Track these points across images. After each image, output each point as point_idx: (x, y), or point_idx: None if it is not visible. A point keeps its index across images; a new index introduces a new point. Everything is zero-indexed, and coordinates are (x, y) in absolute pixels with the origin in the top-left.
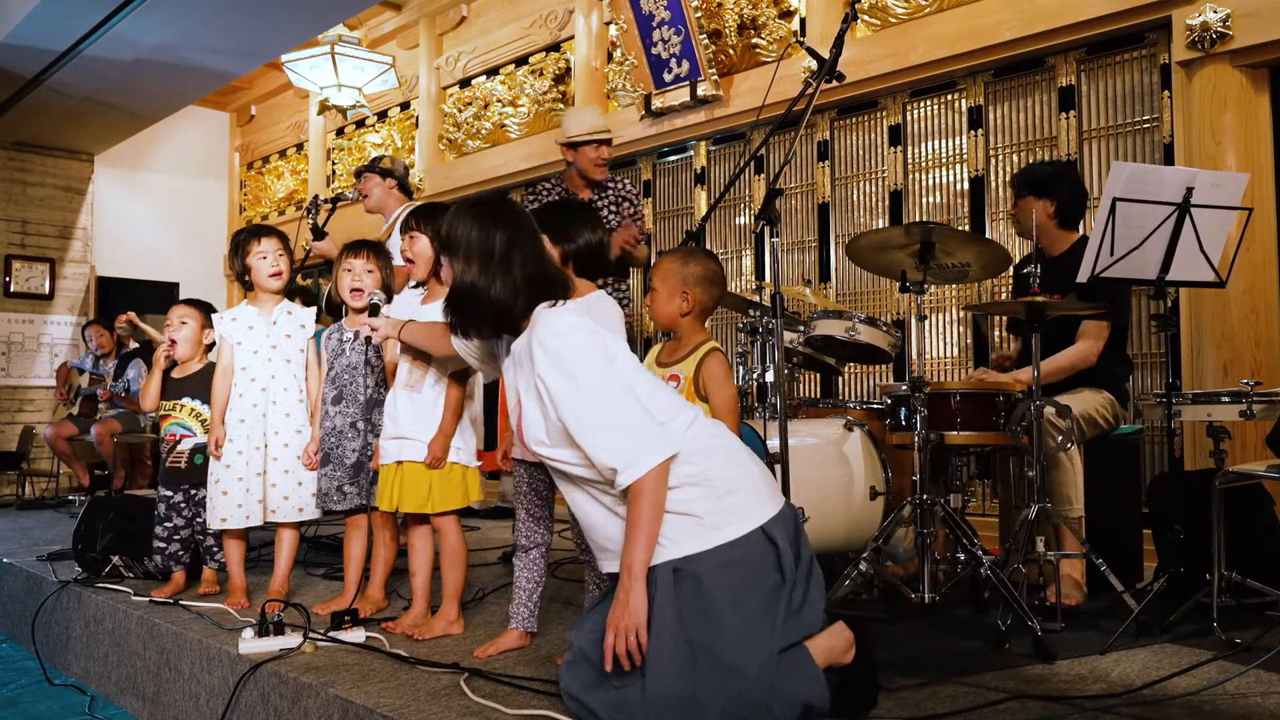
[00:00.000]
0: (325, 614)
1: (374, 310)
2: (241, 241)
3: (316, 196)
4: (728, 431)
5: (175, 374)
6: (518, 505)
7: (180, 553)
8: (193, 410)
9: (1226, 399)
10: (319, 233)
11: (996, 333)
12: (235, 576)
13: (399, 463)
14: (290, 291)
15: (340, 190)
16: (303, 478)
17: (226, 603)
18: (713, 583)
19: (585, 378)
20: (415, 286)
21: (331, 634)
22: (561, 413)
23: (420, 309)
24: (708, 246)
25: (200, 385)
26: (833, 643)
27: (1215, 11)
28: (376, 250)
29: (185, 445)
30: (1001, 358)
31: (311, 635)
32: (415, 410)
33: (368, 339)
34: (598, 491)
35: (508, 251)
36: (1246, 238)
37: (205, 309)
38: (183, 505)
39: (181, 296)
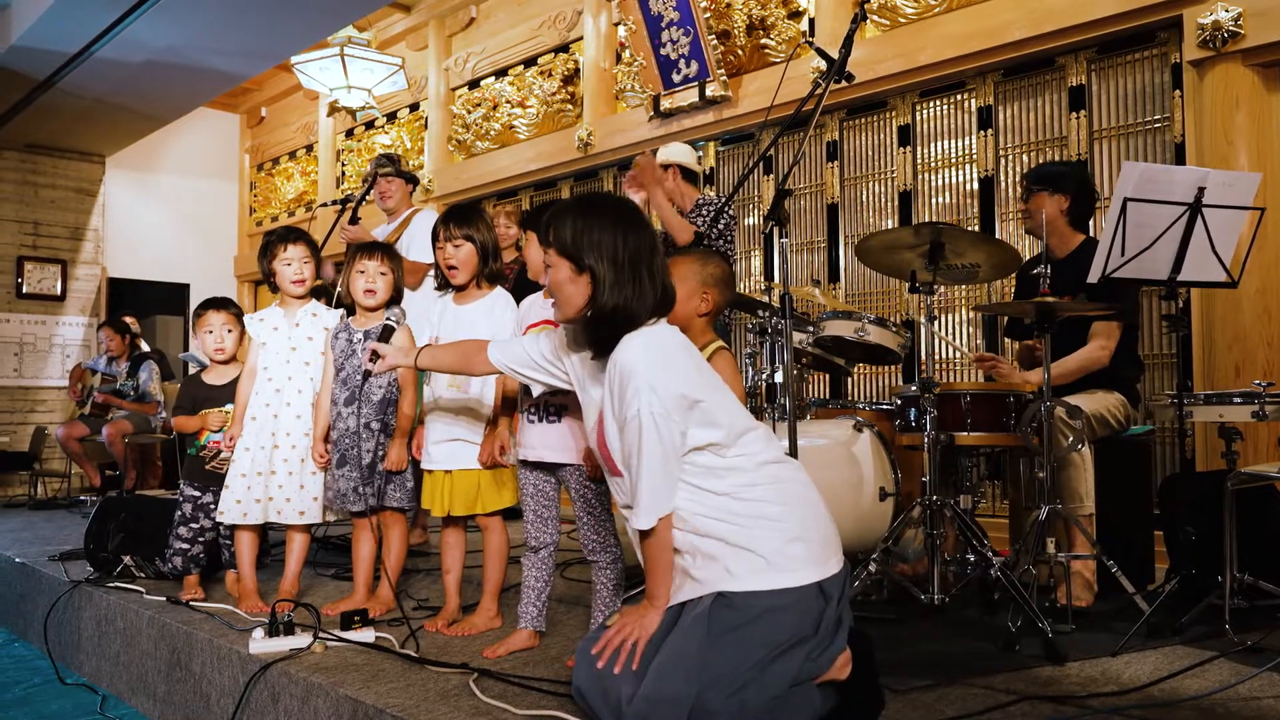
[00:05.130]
0: (335, 614)
1: (387, 334)
2: (271, 244)
3: (351, 194)
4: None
5: (213, 380)
6: (525, 507)
7: (201, 555)
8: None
9: (1238, 400)
10: (355, 218)
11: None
12: (245, 577)
13: (449, 471)
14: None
15: (350, 191)
16: (305, 481)
17: (239, 605)
18: (757, 621)
19: (631, 415)
20: (440, 290)
21: (341, 634)
22: (614, 435)
23: (458, 310)
24: None
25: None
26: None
27: (1226, 10)
28: (388, 253)
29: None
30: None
31: (321, 635)
32: (463, 411)
33: (373, 354)
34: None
35: (650, 260)
36: (1259, 238)
37: (236, 309)
38: (212, 506)
39: (193, 298)
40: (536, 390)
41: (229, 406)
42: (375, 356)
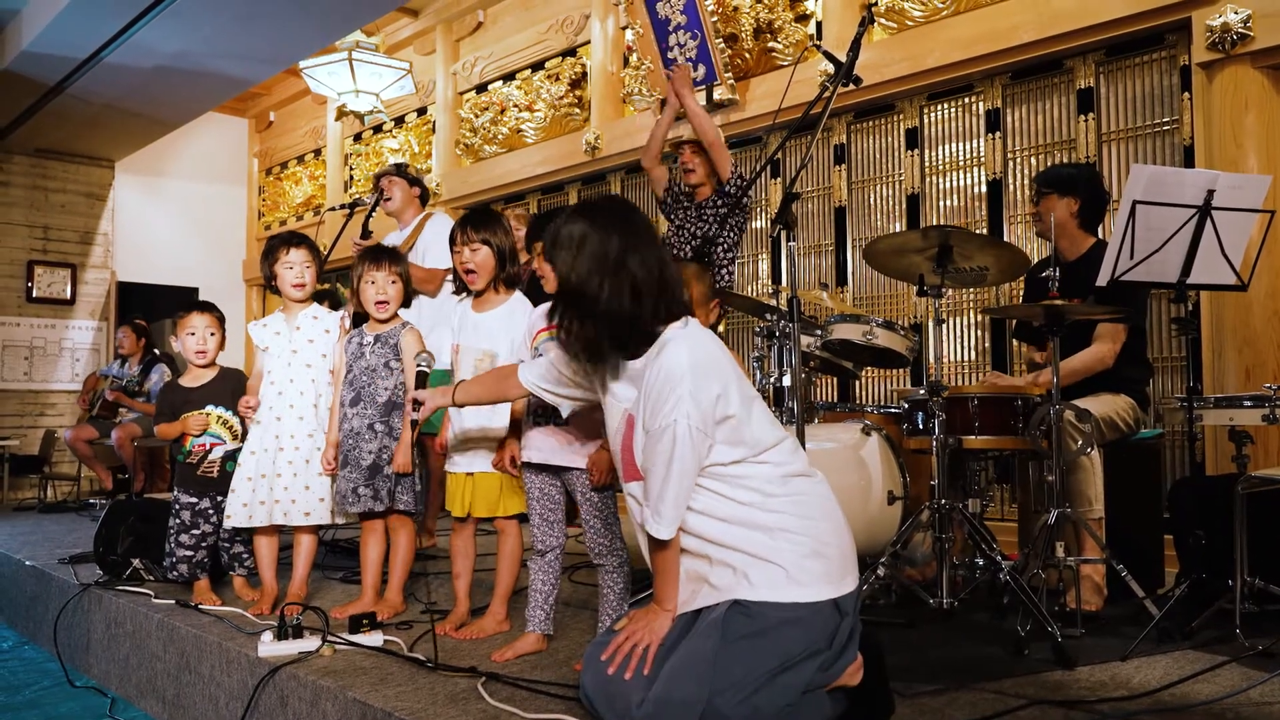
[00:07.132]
0: (344, 617)
1: (421, 380)
2: (274, 247)
3: (359, 198)
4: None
5: (190, 383)
6: (530, 510)
7: (206, 560)
8: (220, 418)
9: (1249, 403)
10: (366, 233)
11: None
12: (266, 581)
13: (470, 474)
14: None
15: (358, 195)
16: (310, 482)
17: (253, 609)
18: (772, 631)
19: (667, 424)
20: (458, 294)
21: (350, 637)
22: (640, 438)
23: (477, 318)
24: None
25: (219, 392)
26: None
27: (1236, 12)
28: (395, 259)
29: (217, 454)
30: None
31: (330, 638)
32: (483, 417)
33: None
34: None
35: (623, 257)
36: (1269, 240)
37: (220, 313)
38: (210, 511)
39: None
40: (566, 410)
41: (209, 408)
42: (417, 405)
